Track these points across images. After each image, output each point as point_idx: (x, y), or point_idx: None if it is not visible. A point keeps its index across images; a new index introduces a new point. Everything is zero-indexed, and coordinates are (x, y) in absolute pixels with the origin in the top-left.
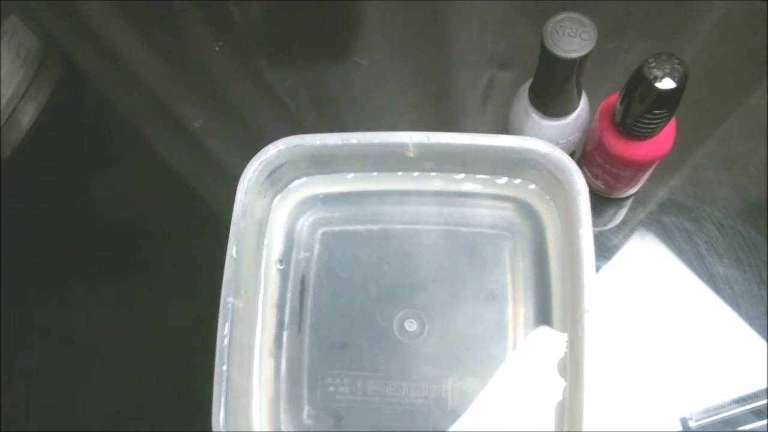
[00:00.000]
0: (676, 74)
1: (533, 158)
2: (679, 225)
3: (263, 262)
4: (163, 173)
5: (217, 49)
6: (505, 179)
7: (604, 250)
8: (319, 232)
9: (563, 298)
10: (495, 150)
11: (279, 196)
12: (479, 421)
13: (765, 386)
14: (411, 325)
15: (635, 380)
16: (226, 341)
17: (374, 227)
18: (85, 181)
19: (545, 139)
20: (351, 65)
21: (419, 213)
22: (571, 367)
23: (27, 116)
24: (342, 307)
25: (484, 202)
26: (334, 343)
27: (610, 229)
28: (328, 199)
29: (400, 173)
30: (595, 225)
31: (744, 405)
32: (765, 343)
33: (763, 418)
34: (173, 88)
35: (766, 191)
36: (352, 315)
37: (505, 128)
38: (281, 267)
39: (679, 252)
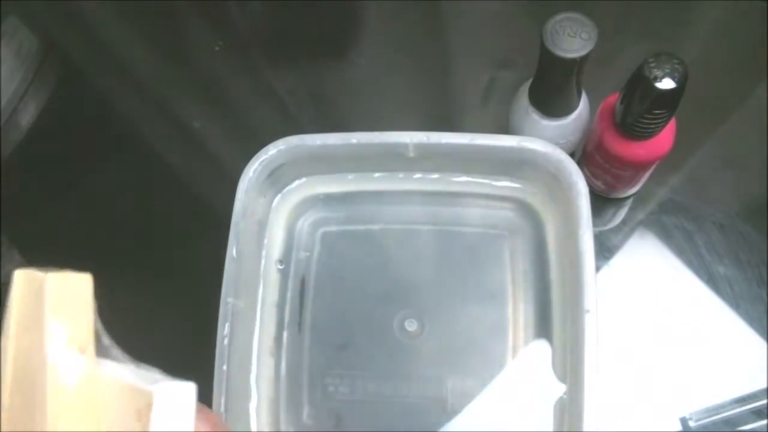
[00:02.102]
0: (676, 74)
1: (533, 158)
2: (679, 225)
3: (263, 262)
4: (163, 173)
5: (217, 49)
6: (505, 179)
7: (604, 250)
8: (319, 232)
9: (563, 298)
10: (495, 150)
11: (279, 196)
12: (479, 421)
13: (765, 386)
14: (411, 325)
15: (635, 380)
16: (226, 341)
17: (374, 227)
18: (84, 181)
19: (545, 139)
20: (350, 65)
21: (419, 213)
22: (571, 367)
23: (27, 116)
24: (342, 307)
25: (484, 202)
26: (334, 343)
27: (610, 229)
28: (328, 199)
29: (400, 173)
30: (595, 225)
31: (744, 405)
32: (765, 343)
33: (763, 418)
34: (173, 88)
35: (766, 191)
36: (352, 315)
37: (505, 128)
38: (281, 267)
39: (679, 252)
